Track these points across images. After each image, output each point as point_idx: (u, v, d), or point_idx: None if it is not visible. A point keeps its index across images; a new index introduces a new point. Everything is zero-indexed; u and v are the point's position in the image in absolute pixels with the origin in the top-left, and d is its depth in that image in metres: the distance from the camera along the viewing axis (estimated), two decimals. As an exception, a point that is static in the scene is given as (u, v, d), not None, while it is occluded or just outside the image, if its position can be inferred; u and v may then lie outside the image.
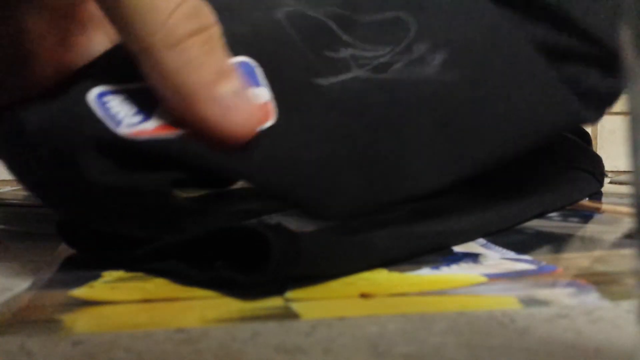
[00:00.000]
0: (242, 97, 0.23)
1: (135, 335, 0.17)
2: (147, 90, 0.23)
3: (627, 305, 0.19)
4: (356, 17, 0.29)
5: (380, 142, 0.26)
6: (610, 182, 0.51)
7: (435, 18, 0.30)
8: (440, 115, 0.27)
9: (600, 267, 0.23)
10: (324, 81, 0.26)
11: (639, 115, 0.14)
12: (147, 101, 0.23)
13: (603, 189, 0.42)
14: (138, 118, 0.23)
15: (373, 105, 0.26)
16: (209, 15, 0.23)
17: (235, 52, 0.24)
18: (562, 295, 0.20)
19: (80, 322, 0.19)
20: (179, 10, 0.22)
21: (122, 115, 0.22)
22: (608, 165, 0.39)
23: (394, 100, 0.27)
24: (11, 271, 0.25)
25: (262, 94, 0.24)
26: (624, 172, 0.53)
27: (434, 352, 0.16)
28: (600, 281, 0.22)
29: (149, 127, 0.22)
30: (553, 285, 0.21)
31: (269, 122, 0.24)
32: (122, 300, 0.21)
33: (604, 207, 0.37)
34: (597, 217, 0.34)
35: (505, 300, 0.20)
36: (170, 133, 0.23)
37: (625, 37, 0.13)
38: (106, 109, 0.22)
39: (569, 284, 0.21)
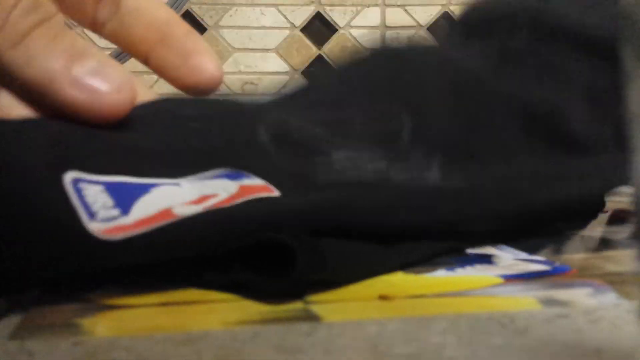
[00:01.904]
0: (105, 72, 0.22)
1: (135, 336, 0.17)
2: (127, 185, 0.21)
3: (627, 305, 0.19)
4: (344, 117, 0.29)
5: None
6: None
7: (431, 115, 0.29)
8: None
9: (613, 268, 0.23)
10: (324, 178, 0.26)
11: (639, 115, 0.14)
12: (126, 195, 0.21)
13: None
14: (116, 212, 0.20)
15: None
16: (48, 5, 0.22)
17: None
18: (580, 296, 0.20)
19: (100, 326, 0.19)
20: (17, 7, 0.21)
21: (97, 207, 0.20)
22: (610, 165, 0.39)
23: (404, 204, 0.26)
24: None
25: (254, 180, 0.24)
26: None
27: (434, 352, 0.16)
28: (615, 281, 0.22)
29: (128, 222, 0.20)
30: (571, 285, 0.21)
31: (275, 194, 0.24)
32: (141, 304, 0.20)
33: (606, 207, 0.37)
34: (600, 217, 0.34)
35: (524, 301, 0.20)
36: (159, 222, 0.21)
37: (626, 47, 0.13)
38: (81, 197, 0.20)
39: (586, 284, 0.21)
